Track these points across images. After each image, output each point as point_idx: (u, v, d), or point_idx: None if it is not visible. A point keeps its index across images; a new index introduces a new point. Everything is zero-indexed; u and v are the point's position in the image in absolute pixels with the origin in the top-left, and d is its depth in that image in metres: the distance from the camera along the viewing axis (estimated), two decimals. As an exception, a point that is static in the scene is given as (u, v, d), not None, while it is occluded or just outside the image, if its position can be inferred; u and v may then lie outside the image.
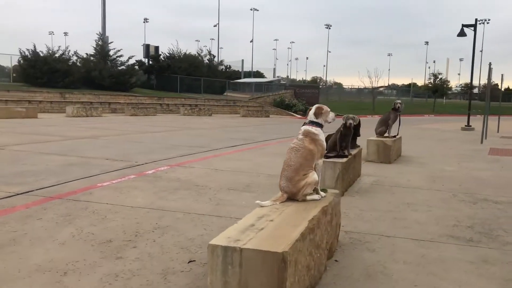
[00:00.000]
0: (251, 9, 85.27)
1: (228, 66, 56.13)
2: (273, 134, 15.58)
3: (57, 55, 31.90)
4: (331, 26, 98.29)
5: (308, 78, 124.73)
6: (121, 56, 36.37)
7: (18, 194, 5.22)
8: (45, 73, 29.34)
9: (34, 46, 31.13)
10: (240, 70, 60.08)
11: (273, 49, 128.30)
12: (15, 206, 4.73)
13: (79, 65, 33.55)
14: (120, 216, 4.51)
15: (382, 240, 4.11)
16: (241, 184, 6.28)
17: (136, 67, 41.21)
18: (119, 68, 35.44)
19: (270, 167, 7.64)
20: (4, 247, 3.56)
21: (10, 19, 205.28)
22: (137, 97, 29.08)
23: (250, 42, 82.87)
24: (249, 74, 67.00)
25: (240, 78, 56.65)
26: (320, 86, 69.67)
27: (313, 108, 3.82)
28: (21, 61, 31.64)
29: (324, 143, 3.77)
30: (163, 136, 13.32)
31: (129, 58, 37.17)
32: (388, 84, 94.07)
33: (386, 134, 9.38)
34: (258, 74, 71.32)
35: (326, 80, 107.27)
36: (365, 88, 52.94)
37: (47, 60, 30.38)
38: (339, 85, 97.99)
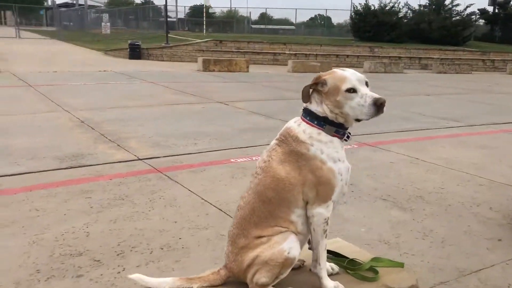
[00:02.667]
0: None
1: None
2: None
3: (387, 8, 31.10)
4: None
5: None
6: (457, 5, 32.78)
7: (137, 160, 4.71)
8: (372, 27, 29.18)
9: (366, 0, 31.19)
10: None
11: None
12: (102, 175, 4.20)
13: (409, 17, 32.11)
14: (163, 215, 3.33)
15: None
16: (414, 193, 3.96)
17: (477, 16, 36.23)
18: (453, 19, 31.85)
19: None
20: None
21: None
22: (455, 52, 25.41)
23: None
24: None
25: None
26: None
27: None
28: (353, 16, 32.48)
29: (330, 171, 1.56)
30: (438, 101, 10.71)
31: (467, 6, 32.94)
32: None
33: None
34: None
35: None
36: None
37: (376, 13, 30.03)
38: None
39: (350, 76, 1.66)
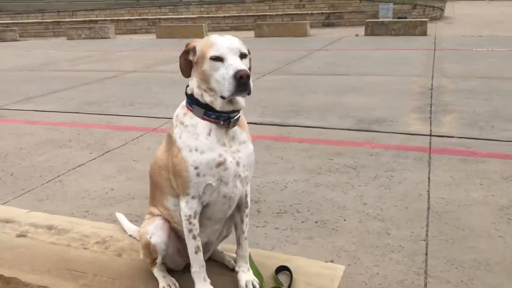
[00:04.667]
0: None
1: None
2: None
3: None
4: None
5: None
6: None
7: (426, 135, 4.30)
8: None
9: None
10: None
11: None
12: (369, 142, 4.15)
13: None
14: (365, 193, 3.12)
15: None
16: None
17: None
18: None
19: None
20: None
21: None
22: None
23: None
24: None
25: None
26: None
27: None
28: None
29: (182, 161, 1.41)
30: None
31: None
32: None
33: None
34: None
35: None
36: None
37: None
38: None
39: (219, 41, 1.32)
